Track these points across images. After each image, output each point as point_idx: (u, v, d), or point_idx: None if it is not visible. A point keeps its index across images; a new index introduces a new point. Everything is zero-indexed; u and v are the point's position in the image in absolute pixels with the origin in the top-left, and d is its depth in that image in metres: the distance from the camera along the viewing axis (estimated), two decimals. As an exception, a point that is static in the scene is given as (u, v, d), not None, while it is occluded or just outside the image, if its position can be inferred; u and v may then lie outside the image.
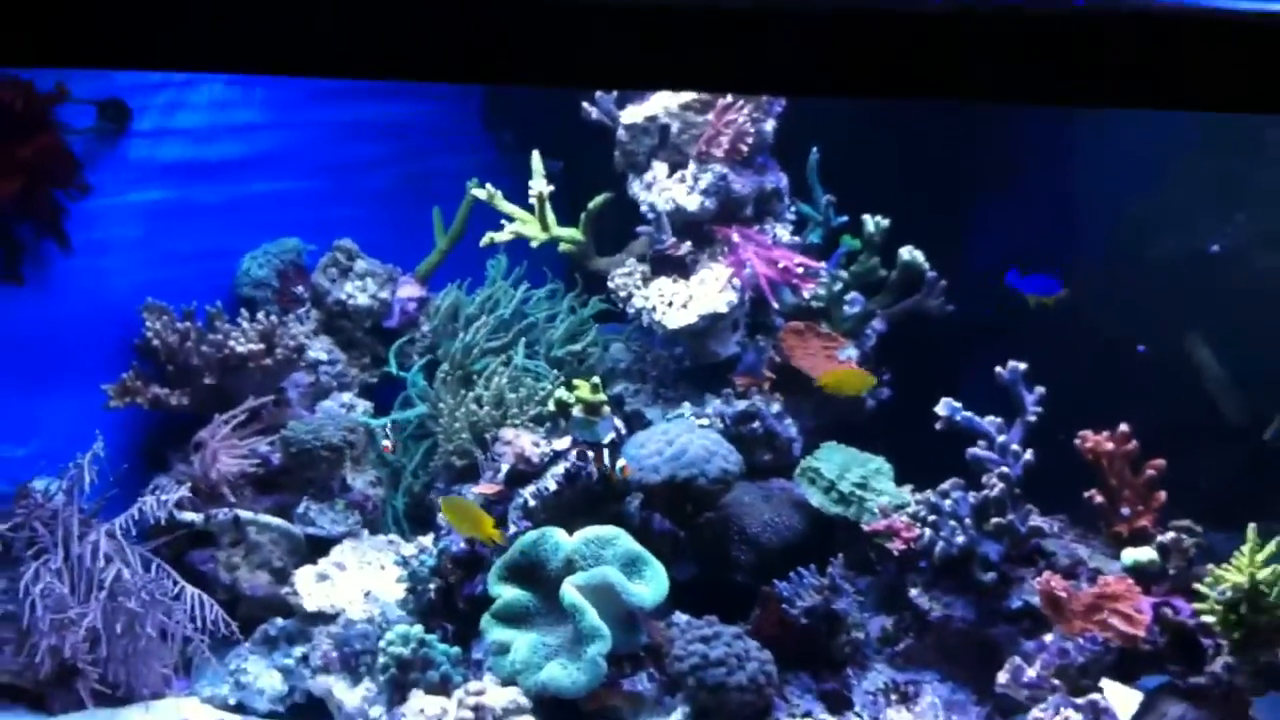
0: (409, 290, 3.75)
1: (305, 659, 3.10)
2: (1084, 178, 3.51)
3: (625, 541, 2.92)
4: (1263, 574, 2.52)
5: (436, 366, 3.54)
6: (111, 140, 3.38)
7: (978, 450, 2.92)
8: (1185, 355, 3.43)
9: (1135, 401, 2.99)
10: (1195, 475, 2.96)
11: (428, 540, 3.19)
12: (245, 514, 3.26)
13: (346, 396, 3.57)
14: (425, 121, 3.98)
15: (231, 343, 3.35)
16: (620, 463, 2.96)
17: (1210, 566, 2.65)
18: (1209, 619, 2.62)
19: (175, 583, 3.07)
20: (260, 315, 3.46)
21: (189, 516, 3.22)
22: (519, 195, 3.43)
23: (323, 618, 3.13)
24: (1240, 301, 3.35)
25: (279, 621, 3.18)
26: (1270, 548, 2.54)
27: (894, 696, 2.91)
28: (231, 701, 3.12)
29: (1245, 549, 2.55)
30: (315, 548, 3.32)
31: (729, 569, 3.08)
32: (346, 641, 3.01)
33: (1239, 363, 3.39)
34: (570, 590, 2.80)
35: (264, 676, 3.12)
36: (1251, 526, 2.55)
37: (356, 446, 3.45)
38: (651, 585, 2.86)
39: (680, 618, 2.90)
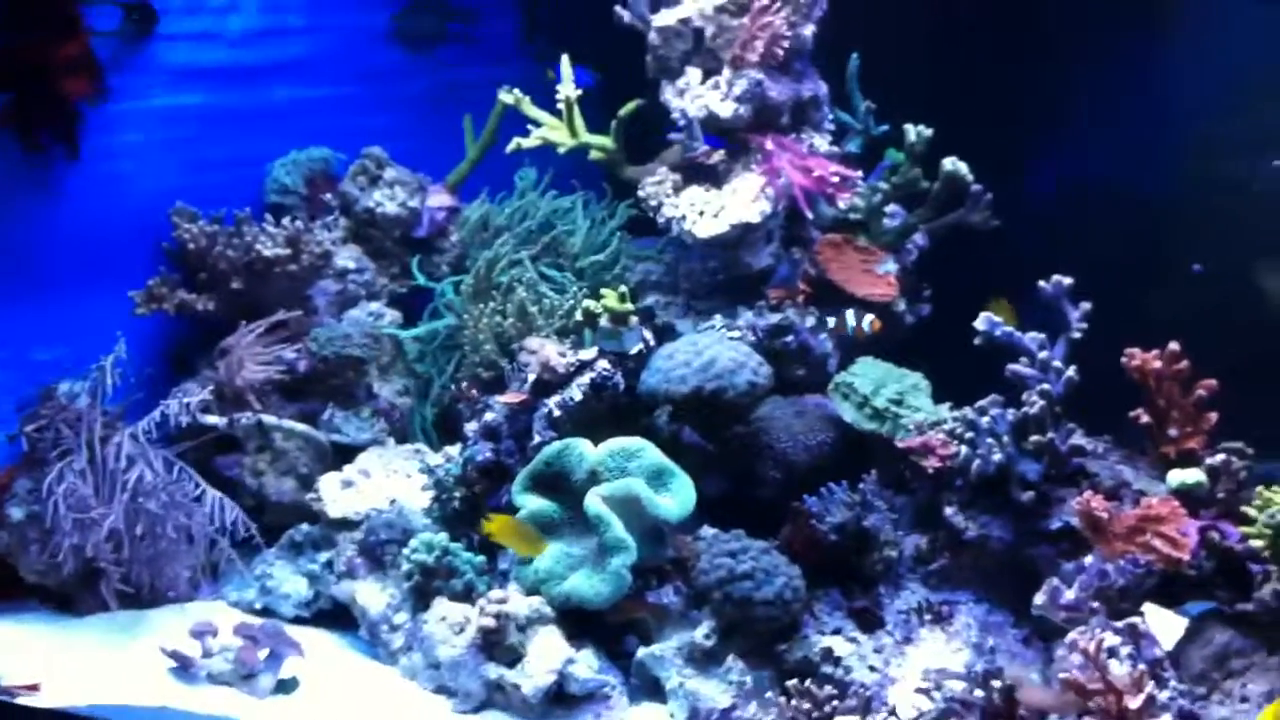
0: (439, 199, 3.69)
1: (330, 565, 3.08)
2: (1155, 93, 3.39)
3: (651, 454, 2.87)
4: None
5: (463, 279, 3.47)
6: (137, 43, 3.30)
7: (1018, 367, 2.78)
8: (1255, 282, 3.31)
9: (1195, 325, 2.84)
10: (1255, 404, 2.80)
11: (454, 450, 3.13)
12: (269, 419, 3.23)
13: (374, 305, 3.52)
14: (458, 31, 3.91)
15: (259, 246, 3.30)
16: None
17: (1259, 489, 2.52)
18: (1257, 543, 2.50)
19: (197, 485, 3.05)
20: (285, 221, 3.39)
21: (212, 420, 3.19)
22: (552, 106, 3.34)
23: (347, 524, 3.10)
24: None
25: (304, 528, 3.19)
26: None
27: (927, 616, 2.82)
28: (258, 606, 3.11)
29: None
30: (340, 455, 3.29)
31: (758, 485, 3.01)
32: (373, 531, 3.00)
33: None
34: (595, 501, 2.76)
35: (289, 582, 3.16)
36: None
37: (383, 355, 3.42)
38: (678, 498, 2.81)
39: (708, 531, 2.83)
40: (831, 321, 3.03)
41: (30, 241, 3.18)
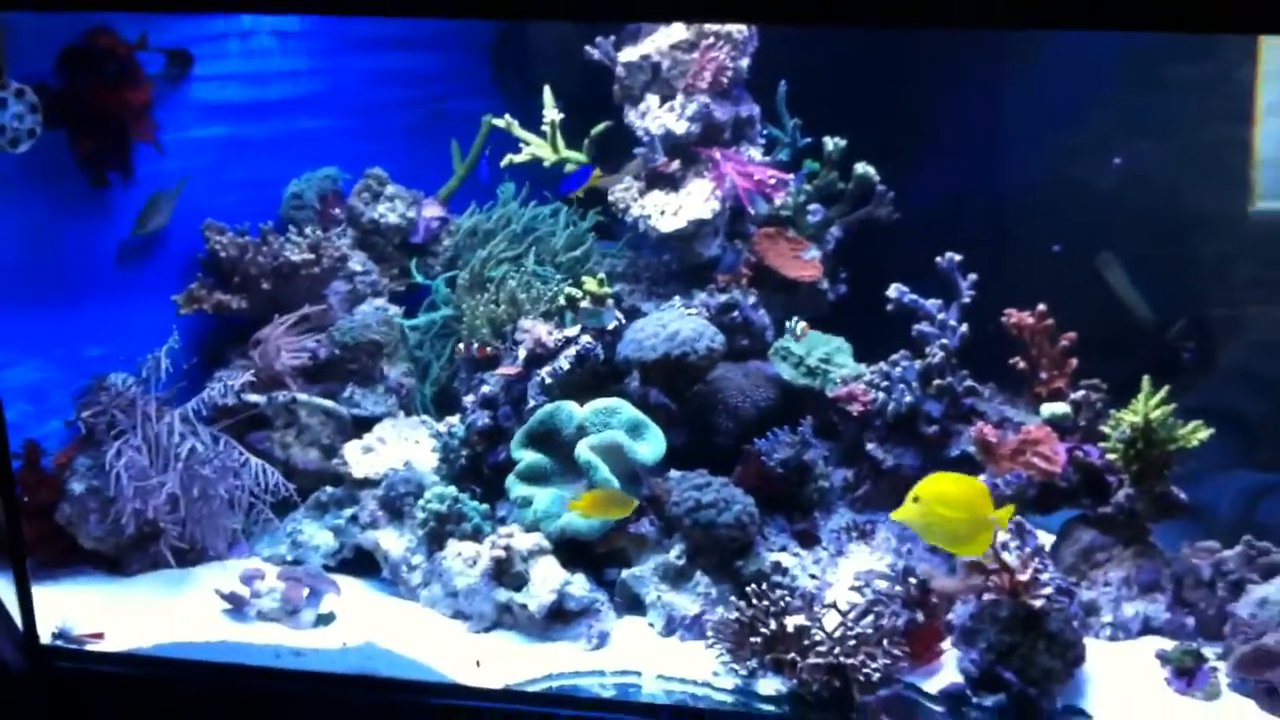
0: (432, 210, 4.00)
1: (354, 518, 3.34)
2: (1016, 108, 3.76)
3: (629, 410, 3.19)
4: (1154, 414, 2.89)
5: (456, 276, 3.79)
6: (176, 84, 3.59)
7: (922, 327, 3.21)
8: (1099, 269, 3.65)
9: (1059, 303, 3.26)
10: (1106, 367, 3.23)
11: (454, 419, 3.44)
12: (302, 396, 3.51)
13: (379, 302, 3.80)
14: (443, 70, 4.24)
15: (287, 252, 3.60)
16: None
17: (1112, 412, 2.99)
18: (1112, 456, 2.97)
19: (240, 454, 3.26)
20: (308, 229, 3.71)
21: (253, 398, 3.46)
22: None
23: (368, 483, 3.38)
24: (1147, 217, 3.60)
25: (329, 489, 3.42)
26: (1160, 394, 2.91)
27: (855, 534, 3.20)
28: (289, 559, 3.34)
29: (1140, 395, 2.91)
30: (359, 426, 3.57)
31: (714, 433, 3.33)
32: (393, 486, 3.28)
33: (1148, 266, 3.62)
34: (584, 449, 3.07)
35: (317, 535, 3.35)
36: (1145, 377, 2.91)
37: (390, 342, 3.72)
38: (652, 446, 3.13)
39: (675, 473, 3.16)
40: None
41: (83, 253, 3.44)
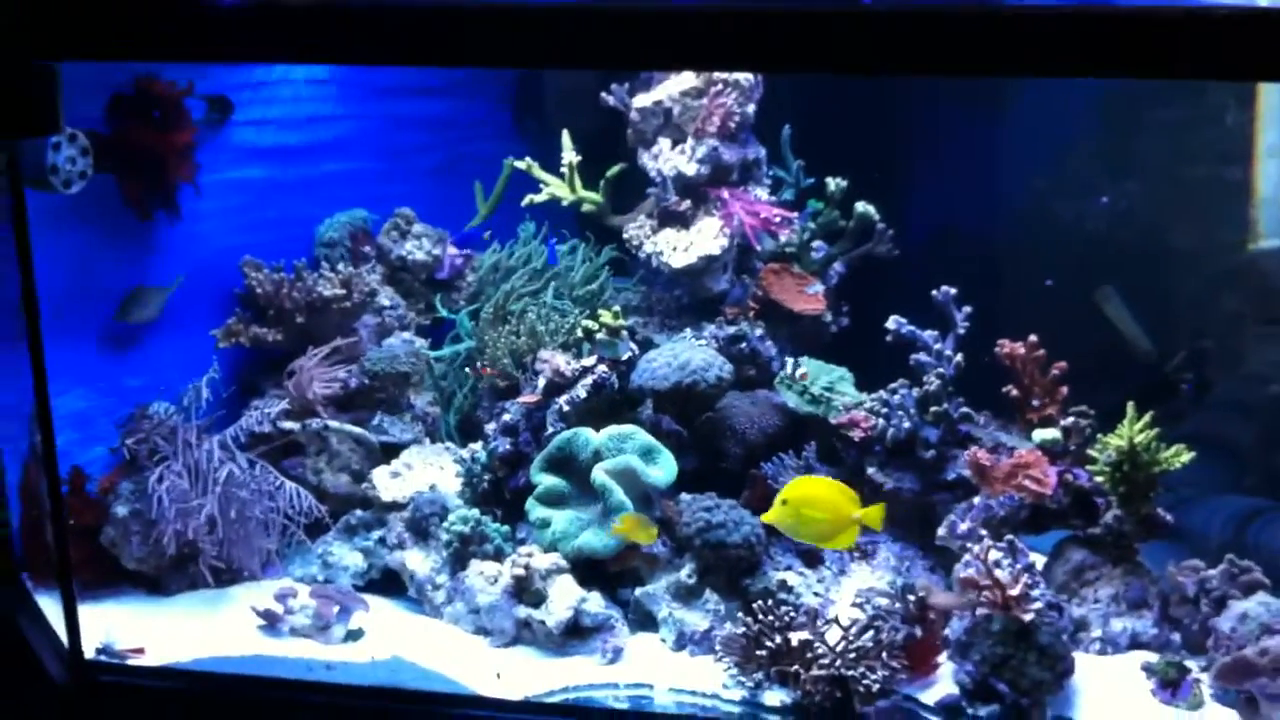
0: (456, 248, 4.11)
1: (382, 540, 3.42)
2: (1008, 151, 3.84)
3: (642, 436, 3.26)
4: (1139, 438, 2.96)
5: (479, 310, 3.89)
6: (217, 129, 3.69)
7: (919, 356, 3.28)
8: (1096, 304, 3.72)
9: (1052, 334, 3.31)
10: (1106, 396, 3.22)
11: (477, 445, 3.53)
12: (334, 424, 3.59)
13: (406, 334, 3.89)
14: (465, 114, 4.34)
15: (320, 288, 3.69)
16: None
17: (1099, 436, 3.06)
18: (1099, 479, 3.04)
19: (275, 479, 3.35)
20: (340, 266, 3.81)
21: (288, 425, 3.54)
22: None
23: (396, 506, 3.45)
24: (1148, 255, 3.70)
25: (358, 512, 3.50)
26: (1145, 419, 2.98)
27: (856, 554, 3.25)
28: (320, 578, 3.38)
29: (1125, 421, 2.98)
30: (387, 452, 3.64)
31: (722, 459, 3.39)
32: (419, 509, 3.36)
33: (1150, 301, 3.69)
34: (600, 473, 3.14)
35: (347, 557, 3.42)
36: (1130, 403, 2.98)
37: (417, 373, 3.80)
38: (664, 469, 3.20)
39: (686, 496, 3.21)
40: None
41: (129, 287, 3.52)
